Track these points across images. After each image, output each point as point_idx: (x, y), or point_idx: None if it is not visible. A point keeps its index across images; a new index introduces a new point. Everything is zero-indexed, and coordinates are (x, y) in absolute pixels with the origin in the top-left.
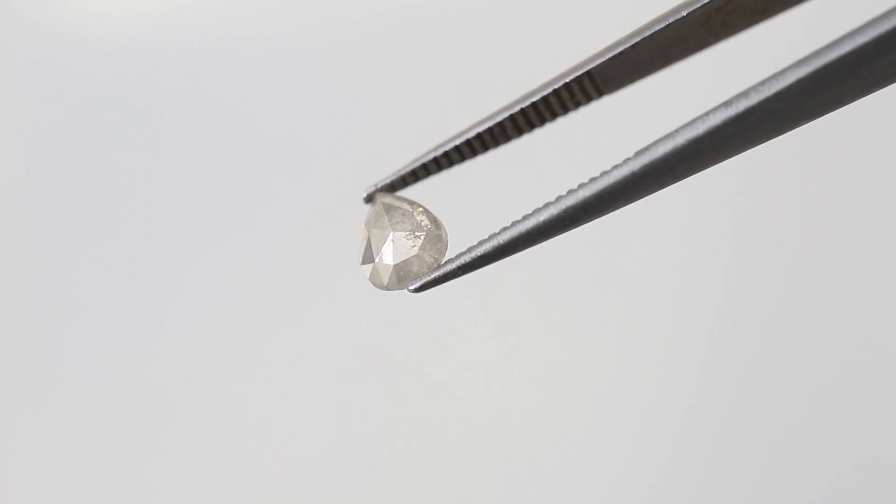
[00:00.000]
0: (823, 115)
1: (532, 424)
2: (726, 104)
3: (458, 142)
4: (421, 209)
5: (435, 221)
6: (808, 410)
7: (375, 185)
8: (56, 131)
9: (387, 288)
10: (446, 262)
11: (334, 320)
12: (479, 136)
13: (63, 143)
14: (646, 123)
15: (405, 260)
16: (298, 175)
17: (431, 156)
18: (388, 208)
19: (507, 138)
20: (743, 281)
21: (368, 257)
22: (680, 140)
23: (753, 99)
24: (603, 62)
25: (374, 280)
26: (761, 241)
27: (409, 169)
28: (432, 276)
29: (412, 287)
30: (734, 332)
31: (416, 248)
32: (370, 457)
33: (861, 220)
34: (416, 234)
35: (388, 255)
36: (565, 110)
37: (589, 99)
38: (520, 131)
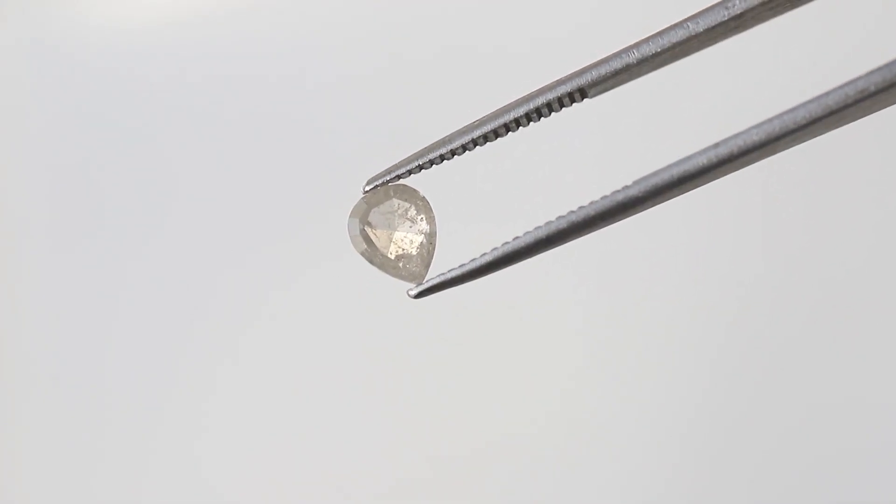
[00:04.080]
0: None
1: (533, 427)
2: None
3: (451, 146)
4: (415, 207)
5: (424, 214)
6: (811, 412)
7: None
8: (51, 127)
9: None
10: (449, 271)
11: (336, 319)
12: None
13: (58, 138)
14: (627, 124)
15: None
16: (293, 170)
17: (427, 158)
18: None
19: (495, 136)
20: (747, 280)
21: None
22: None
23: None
24: (591, 79)
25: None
26: (765, 239)
27: (404, 168)
28: (432, 284)
29: (412, 293)
30: (739, 332)
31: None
32: (367, 455)
33: (869, 219)
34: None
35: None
36: (550, 110)
37: (573, 101)
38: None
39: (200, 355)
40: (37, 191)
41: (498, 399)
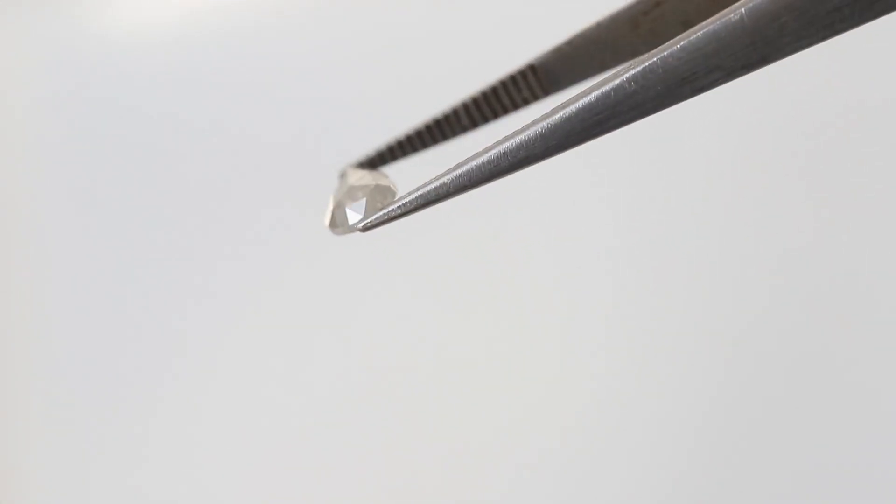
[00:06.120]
0: None
1: (532, 426)
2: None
3: (417, 129)
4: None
5: (384, 177)
6: (821, 417)
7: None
8: (60, 129)
9: (337, 226)
10: (392, 203)
11: (343, 323)
12: (438, 124)
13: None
14: None
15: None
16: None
17: (395, 140)
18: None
19: (462, 129)
20: (762, 282)
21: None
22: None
23: None
24: (544, 56)
25: (331, 223)
26: (779, 241)
27: (377, 151)
28: (379, 215)
29: (360, 225)
30: (753, 336)
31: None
32: (363, 451)
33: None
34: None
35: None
36: (514, 106)
37: (535, 96)
38: (474, 123)
39: (194, 351)
40: (31, 193)
41: (505, 401)
